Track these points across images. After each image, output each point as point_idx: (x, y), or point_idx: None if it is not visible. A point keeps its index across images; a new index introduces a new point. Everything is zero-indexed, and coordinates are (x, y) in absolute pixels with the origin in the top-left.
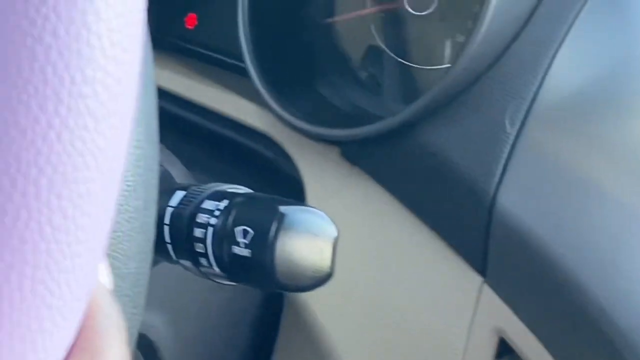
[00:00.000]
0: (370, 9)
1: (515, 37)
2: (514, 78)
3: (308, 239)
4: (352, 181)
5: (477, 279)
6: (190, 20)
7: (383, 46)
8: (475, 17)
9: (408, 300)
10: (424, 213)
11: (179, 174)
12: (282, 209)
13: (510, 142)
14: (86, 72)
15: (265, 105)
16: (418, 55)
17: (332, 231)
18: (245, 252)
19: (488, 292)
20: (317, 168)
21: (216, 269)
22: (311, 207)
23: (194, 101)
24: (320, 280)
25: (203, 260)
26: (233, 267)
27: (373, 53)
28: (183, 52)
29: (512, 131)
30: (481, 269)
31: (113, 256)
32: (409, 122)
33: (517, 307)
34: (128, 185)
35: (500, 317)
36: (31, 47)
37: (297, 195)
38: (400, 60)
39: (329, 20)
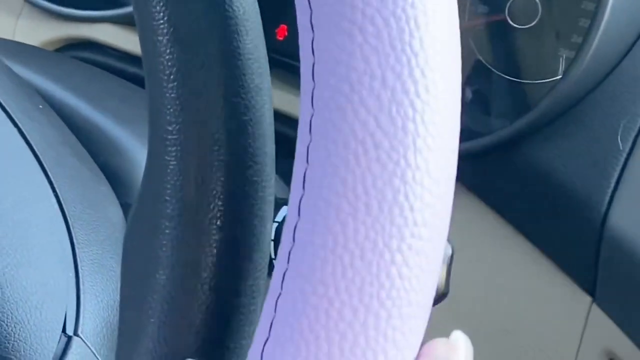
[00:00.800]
0: (470, 23)
1: (626, 53)
2: (625, 94)
3: None
4: (456, 199)
5: (586, 299)
6: (281, 32)
7: (484, 60)
8: (586, 32)
9: (516, 320)
10: (532, 232)
11: (279, 188)
12: None
13: (623, 159)
14: (425, 216)
15: None
16: (521, 69)
17: (447, 249)
18: None
19: (597, 312)
20: None
21: None
22: None
23: (285, 113)
24: (436, 299)
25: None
26: None
27: (472, 67)
28: (273, 64)
29: (624, 148)
30: (590, 289)
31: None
32: (516, 137)
33: (628, 327)
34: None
35: (609, 338)
36: (394, 195)
37: None
38: (502, 74)
39: None
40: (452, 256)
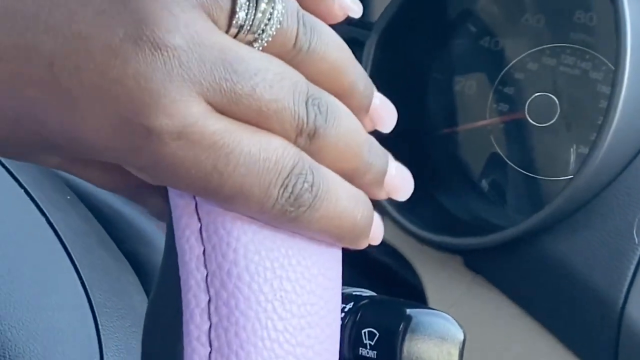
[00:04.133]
0: (490, 120)
1: None
2: None
3: (435, 342)
4: (475, 290)
5: None
6: None
7: (504, 156)
8: (599, 129)
9: None
10: (550, 323)
11: None
12: (409, 311)
13: (639, 252)
14: None
15: (386, 213)
16: (539, 165)
17: (459, 334)
18: (371, 354)
19: None
20: (439, 276)
21: None
22: (437, 310)
23: None
24: None
25: None
26: None
27: (493, 163)
28: None
29: None
30: None
31: None
32: (532, 232)
33: None
34: None
35: None
36: None
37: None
38: (521, 170)
39: (449, 130)
40: (464, 341)
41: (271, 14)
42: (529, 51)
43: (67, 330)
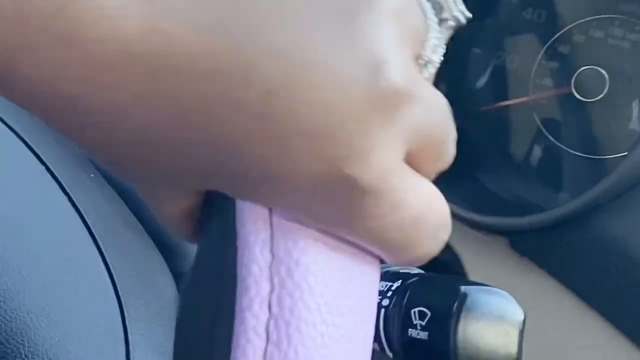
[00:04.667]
0: (534, 96)
1: None
2: None
3: (493, 321)
4: (522, 273)
5: None
6: None
7: (548, 134)
8: None
9: None
10: (601, 305)
11: None
12: (464, 288)
13: None
14: None
15: None
16: (587, 143)
17: (519, 314)
18: (422, 335)
19: None
20: (483, 260)
21: (389, 353)
22: (495, 287)
23: None
24: None
25: (374, 345)
26: (407, 352)
27: (537, 141)
28: None
29: None
30: None
31: None
32: (580, 212)
33: None
34: None
35: None
36: None
37: None
38: (566, 148)
39: (490, 107)
40: (524, 321)
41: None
42: (575, 23)
43: (90, 316)
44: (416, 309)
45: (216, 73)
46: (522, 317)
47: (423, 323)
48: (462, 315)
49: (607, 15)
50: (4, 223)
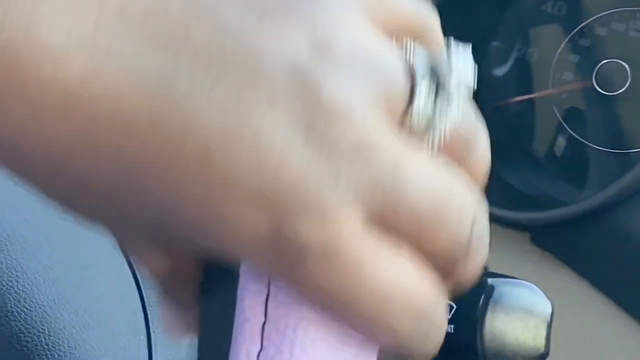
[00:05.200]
0: (554, 90)
1: None
2: None
3: (521, 315)
4: (544, 268)
5: None
6: None
7: (568, 128)
8: None
9: None
10: (624, 300)
11: None
12: (491, 281)
13: None
14: None
15: None
16: (608, 137)
17: (547, 307)
18: (448, 329)
19: None
20: (505, 255)
21: None
22: (522, 279)
23: None
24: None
25: None
26: None
27: (557, 135)
28: None
29: None
30: None
31: None
32: (602, 207)
33: None
34: None
35: None
36: None
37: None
38: (587, 143)
39: (510, 101)
40: (552, 314)
41: (450, 105)
42: (597, 16)
43: (111, 305)
44: None
45: (155, 125)
46: (550, 310)
47: (449, 317)
48: (490, 308)
49: (628, 8)
50: (22, 210)
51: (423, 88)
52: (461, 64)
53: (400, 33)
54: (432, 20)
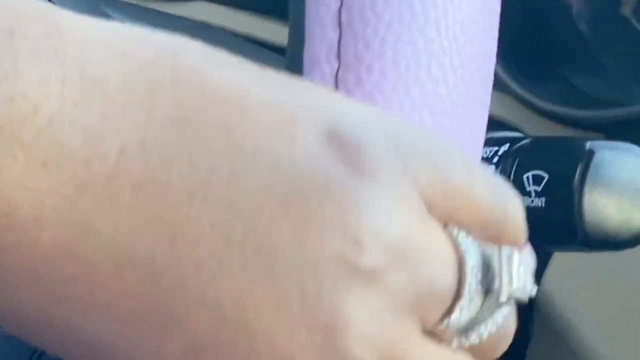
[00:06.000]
0: None
1: None
2: None
3: (627, 183)
4: None
5: None
6: None
7: (636, 23)
8: None
9: None
10: None
11: None
12: (590, 144)
13: None
14: None
15: (508, 90)
16: None
17: None
18: (538, 203)
19: None
20: None
21: None
22: (628, 143)
23: None
24: None
25: None
26: None
27: (621, 31)
28: None
29: None
30: None
31: None
32: None
33: None
34: None
35: None
36: None
37: None
38: None
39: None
40: None
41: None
42: None
43: None
44: (530, 173)
45: (135, 316)
46: None
47: (539, 189)
48: (589, 176)
49: None
50: None
51: (466, 300)
52: (522, 273)
53: (463, 224)
54: (510, 211)
